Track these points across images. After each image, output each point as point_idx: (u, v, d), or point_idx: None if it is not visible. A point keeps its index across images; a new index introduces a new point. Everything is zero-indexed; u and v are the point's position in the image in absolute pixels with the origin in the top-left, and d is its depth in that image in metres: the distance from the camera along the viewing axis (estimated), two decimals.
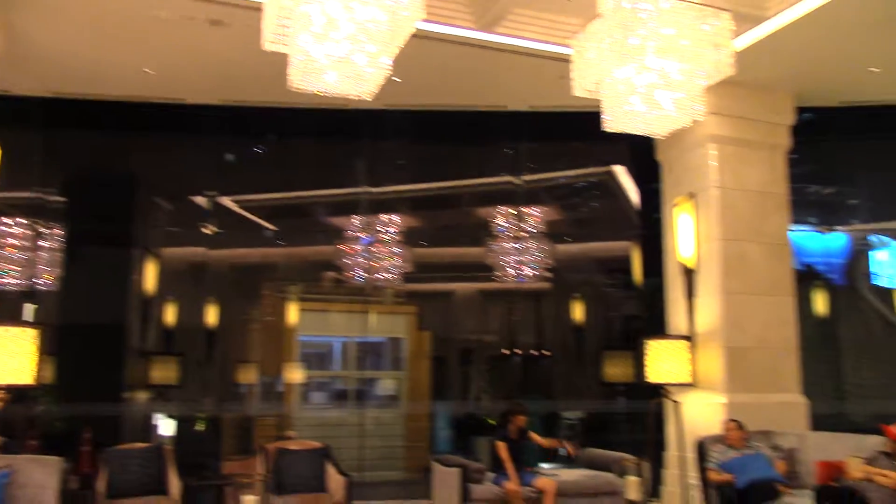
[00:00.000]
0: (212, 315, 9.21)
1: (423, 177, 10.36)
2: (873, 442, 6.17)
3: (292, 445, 6.47)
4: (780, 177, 7.98)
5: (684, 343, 7.39)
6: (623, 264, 9.91)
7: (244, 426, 9.14)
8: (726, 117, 7.70)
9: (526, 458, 6.72)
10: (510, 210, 9.87)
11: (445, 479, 6.59)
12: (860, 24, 6.66)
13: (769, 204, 7.86)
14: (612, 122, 5.03)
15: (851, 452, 6.09)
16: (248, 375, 9.36)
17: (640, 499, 4.92)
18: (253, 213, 10.10)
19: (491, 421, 9.20)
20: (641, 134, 5.06)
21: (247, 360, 9.51)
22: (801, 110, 8.22)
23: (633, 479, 4.93)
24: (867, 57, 7.39)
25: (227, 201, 9.68)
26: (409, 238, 9.87)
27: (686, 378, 7.31)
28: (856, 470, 5.82)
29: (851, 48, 7.16)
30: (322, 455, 6.42)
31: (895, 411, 9.16)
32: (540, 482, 6.44)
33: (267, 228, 10.12)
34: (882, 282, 10.48)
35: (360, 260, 9.54)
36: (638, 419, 8.24)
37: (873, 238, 10.53)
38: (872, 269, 10.63)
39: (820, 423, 7.89)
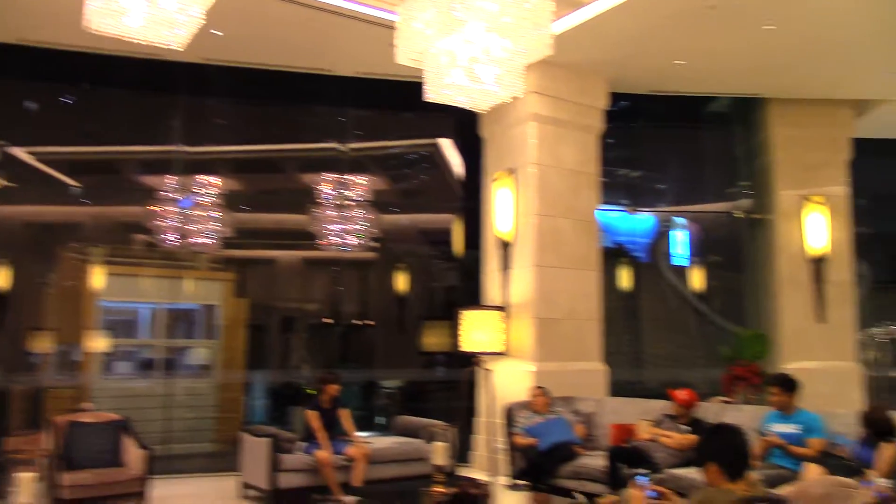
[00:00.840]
0: (1, 278, 8.38)
1: (244, 138, 9.96)
2: (661, 406, 6.73)
3: (85, 418, 6.03)
4: (592, 157, 8.42)
5: (498, 313, 7.66)
6: (446, 236, 10.08)
7: (35, 398, 8.42)
8: (546, 97, 8.00)
9: (338, 427, 6.70)
10: (335, 177, 9.72)
11: (254, 450, 6.43)
12: (667, 17, 7.11)
13: (582, 183, 8.28)
14: (434, 93, 5.04)
15: (641, 416, 6.60)
16: (43, 344, 8.61)
17: (446, 464, 5.05)
18: (55, 168, 9.25)
19: (310, 391, 9.08)
20: (463, 107, 5.11)
21: (42, 328, 8.74)
22: (616, 96, 8.71)
23: (440, 445, 5.04)
24: (673, 49, 7.93)
25: (20, 152, 8.79)
26: (230, 202, 9.46)
27: (499, 347, 7.59)
28: (644, 431, 6.32)
29: (659, 40, 7.65)
30: (119, 427, 6.04)
31: (684, 378, 10.07)
32: (351, 450, 6.45)
33: (71, 185, 9.31)
34: (679, 261, 11.32)
35: (175, 223, 9.03)
36: (455, 388, 8.48)
37: (674, 220, 11.36)
38: (672, 248, 11.45)
39: (620, 389, 8.49)
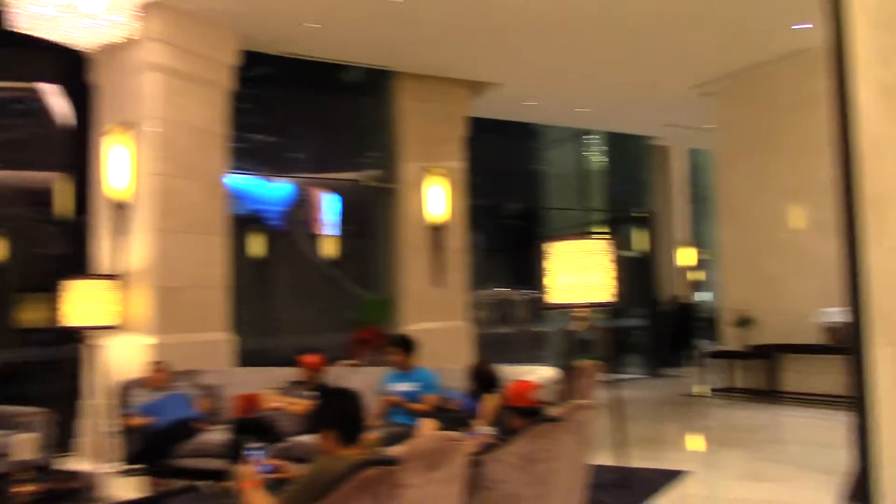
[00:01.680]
0: None
1: None
2: (288, 373, 6.61)
3: None
4: (220, 116, 7.94)
5: (110, 283, 6.86)
6: (51, 197, 8.78)
7: None
8: (170, 46, 7.32)
9: None
10: None
11: None
12: None
13: (209, 143, 7.76)
14: (25, 23, 4.22)
15: (268, 385, 6.41)
16: None
17: (35, 457, 4.33)
18: None
19: None
20: (63, 43, 4.36)
21: None
22: (251, 57, 8.29)
23: (23, 437, 4.30)
24: (306, 12, 7.77)
25: None
26: None
27: (111, 320, 6.81)
28: (269, 401, 6.14)
29: None
30: None
31: (319, 344, 10.14)
32: None
33: None
34: (315, 228, 11.37)
35: None
36: (59, 368, 7.45)
37: (311, 188, 11.35)
38: (308, 216, 11.46)
39: (255, 358, 8.22)
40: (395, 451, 2.67)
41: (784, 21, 8.81)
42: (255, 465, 3.04)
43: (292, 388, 6.25)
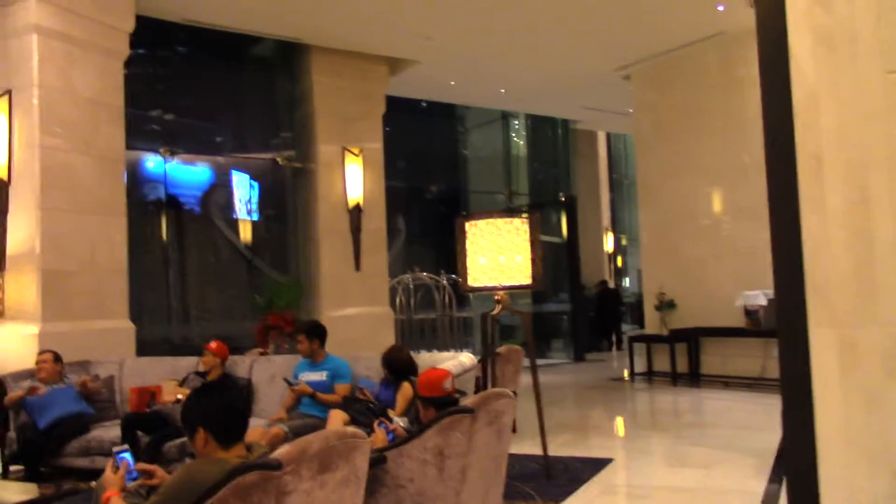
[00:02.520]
0: None
1: None
2: (191, 363, 6.16)
3: None
4: (116, 88, 7.31)
5: None
6: None
7: None
8: (55, 7, 6.68)
9: None
10: None
11: None
12: None
13: (103, 116, 7.14)
14: None
15: (169, 375, 5.94)
16: None
17: None
18: None
19: None
20: None
21: None
22: (158, 28, 7.70)
23: None
24: None
25: None
26: None
27: None
28: (169, 393, 5.67)
29: None
30: None
31: (234, 331, 9.66)
32: None
33: None
34: (233, 211, 10.88)
35: None
36: None
37: (229, 170, 10.82)
38: (226, 199, 10.94)
39: (165, 347, 7.69)
40: (279, 452, 2.31)
41: (705, 4, 8.73)
42: (122, 470, 2.64)
43: (193, 378, 5.79)
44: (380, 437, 3.65)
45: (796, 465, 2.18)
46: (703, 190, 10.20)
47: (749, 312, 9.22)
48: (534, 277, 5.08)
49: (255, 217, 10.82)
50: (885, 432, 1.78)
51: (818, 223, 1.91)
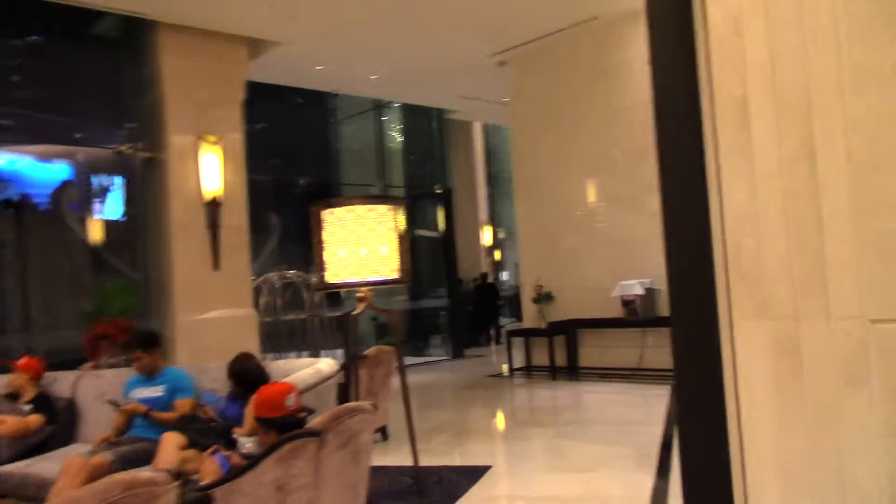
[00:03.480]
0: None
1: None
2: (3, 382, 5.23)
3: None
4: None
5: None
6: None
7: None
8: None
9: None
10: None
11: None
12: None
13: None
14: None
15: None
16: None
17: None
18: None
19: None
20: None
21: None
22: None
23: None
24: None
25: None
26: None
27: None
28: None
29: None
30: None
31: (69, 343, 8.60)
32: None
33: None
34: (88, 210, 9.85)
35: None
36: None
37: (77, 165, 9.73)
38: (78, 196, 9.91)
39: None
40: None
41: None
42: None
43: (2, 401, 4.88)
44: (209, 469, 3.00)
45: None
46: (578, 180, 10.00)
47: (626, 303, 9.06)
48: (402, 271, 4.54)
49: (113, 215, 9.83)
50: (838, 460, 1.33)
51: (741, 187, 1.44)
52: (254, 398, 3.14)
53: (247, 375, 4.41)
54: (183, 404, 4.63)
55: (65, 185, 10.03)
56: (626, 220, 9.37)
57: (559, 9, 9.14)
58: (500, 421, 7.74)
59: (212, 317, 8.85)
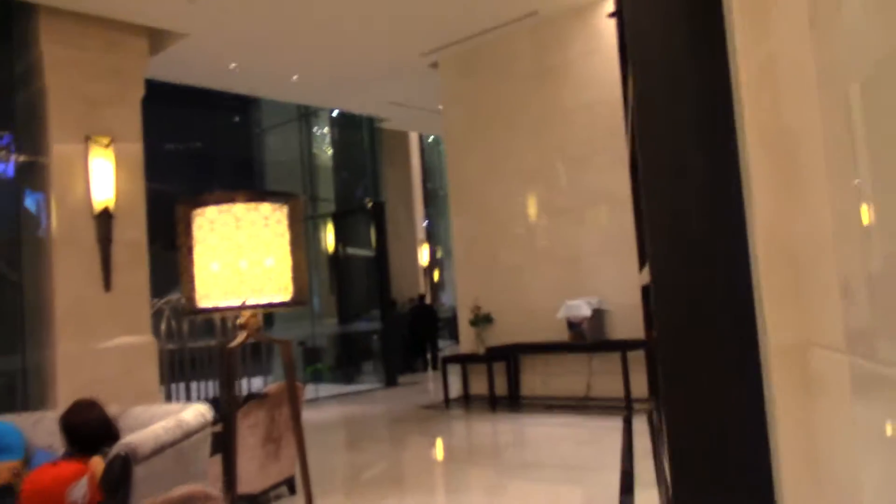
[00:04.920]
0: None
1: None
2: None
3: None
4: None
5: None
6: None
7: None
8: None
9: None
10: None
11: None
12: None
13: None
14: None
15: None
16: None
17: None
18: None
19: None
20: None
21: None
22: None
23: None
24: None
25: None
26: None
27: None
28: None
29: None
30: None
31: None
32: None
33: None
34: None
35: None
36: None
37: None
38: None
39: None
40: None
41: None
42: None
43: None
44: None
45: None
46: (517, 190, 9.14)
47: (572, 325, 8.21)
48: (296, 290, 3.52)
49: None
50: None
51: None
52: (25, 488, 2.09)
53: (84, 430, 3.32)
54: (7, 468, 3.51)
55: None
56: (569, 233, 8.55)
57: (495, 4, 8.32)
58: (432, 466, 6.74)
59: (102, 346, 7.66)
